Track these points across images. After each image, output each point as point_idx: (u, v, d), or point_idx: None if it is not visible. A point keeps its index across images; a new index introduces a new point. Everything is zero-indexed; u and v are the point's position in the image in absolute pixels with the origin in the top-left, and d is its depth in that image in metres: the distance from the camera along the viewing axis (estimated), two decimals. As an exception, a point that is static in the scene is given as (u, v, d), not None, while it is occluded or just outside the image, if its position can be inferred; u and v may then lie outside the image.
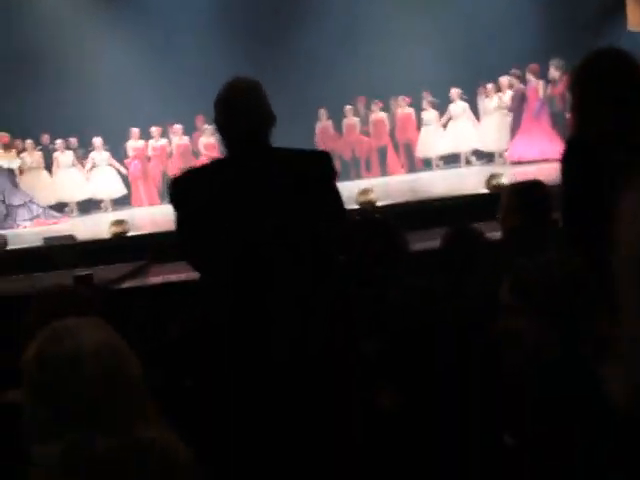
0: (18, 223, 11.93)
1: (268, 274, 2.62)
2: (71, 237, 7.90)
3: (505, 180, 7.85)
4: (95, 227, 10.00)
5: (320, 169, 2.78)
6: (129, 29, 13.74)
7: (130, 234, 7.90)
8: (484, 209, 7.20)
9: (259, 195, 2.68)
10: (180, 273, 4.68)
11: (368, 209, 7.88)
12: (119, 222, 7.94)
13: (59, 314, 2.24)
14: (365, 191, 8.01)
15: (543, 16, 12.72)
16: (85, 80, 13.48)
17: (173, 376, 3.19)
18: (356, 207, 7.94)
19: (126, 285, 4.87)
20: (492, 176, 7.97)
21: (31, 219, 12.04)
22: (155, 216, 11.56)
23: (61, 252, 7.45)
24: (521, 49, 12.40)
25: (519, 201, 3.40)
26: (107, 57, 13.63)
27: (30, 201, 12.25)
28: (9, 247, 7.95)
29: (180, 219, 2.77)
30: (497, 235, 4.96)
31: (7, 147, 12.47)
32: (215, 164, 2.85)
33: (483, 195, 7.64)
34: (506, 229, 3.54)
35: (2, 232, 9.22)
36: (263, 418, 2.50)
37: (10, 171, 12.36)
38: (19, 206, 12.10)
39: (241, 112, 2.71)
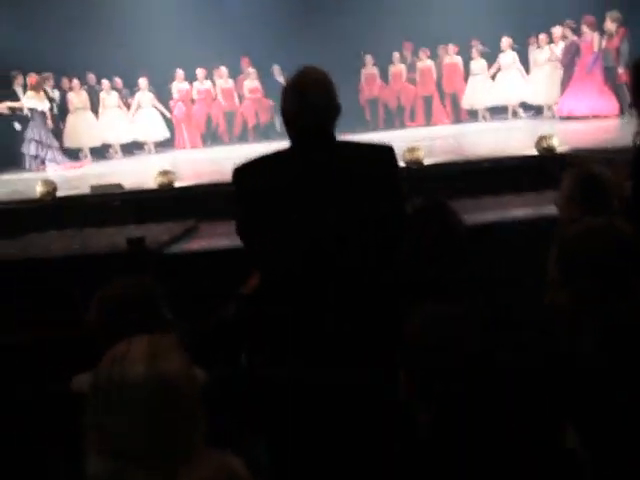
0: (47, 165, 12.05)
1: (332, 269, 2.65)
2: (119, 186, 7.95)
3: (556, 142, 7.68)
4: (139, 173, 10.04)
5: (384, 165, 2.77)
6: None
7: (177, 185, 7.93)
8: (534, 174, 7.20)
9: (324, 190, 2.68)
10: (231, 236, 4.71)
11: (414, 168, 7.82)
12: (165, 172, 7.95)
13: (120, 317, 2.29)
14: (412, 149, 7.89)
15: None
16: (131, 21, 13.39)
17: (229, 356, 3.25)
18: (403, 165, 7.87)
19: (178, 249, 4.91)
20: (542, 137, 7.77)
21: (58, 163, 12.13)
22: (197, 162, 11.63)
23: (111, 203, 7.53)
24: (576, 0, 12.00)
25: (582, 194, 3.32)
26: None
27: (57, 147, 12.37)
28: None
29: (243, 211, 2.79)
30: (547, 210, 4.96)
31: (35, 88, 12.27)
32: (280, 155, 2.83)
33: (533, 158, 7.49)
34: (564, 218, 3.48)
35: (49, 177, 9.28)
36: (319, 421, 2.56)
37: (42, 113, 12.29)
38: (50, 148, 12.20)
39: (310, 104, 2.68)
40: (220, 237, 5.07)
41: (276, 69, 13.68)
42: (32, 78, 12.30)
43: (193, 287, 4.41)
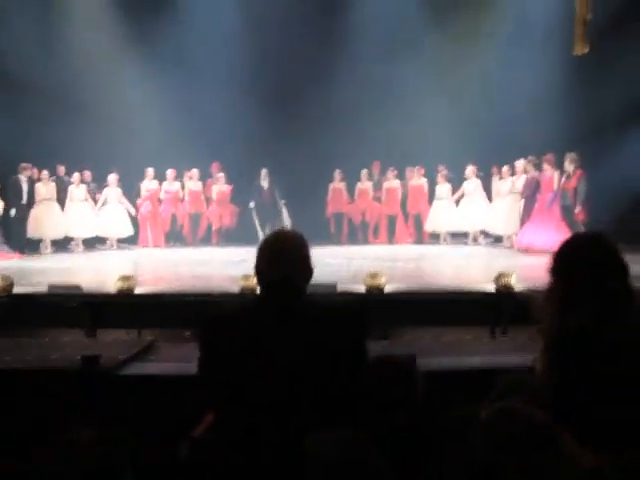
0: None
1: (290, 418, 2.66)
2: (78, 287, 7.87)
3: (514, 280, 7.86)
4: (99, 272, 9.99)
5: (352, 334, 2.82)
6: (156, 71, 13.84)
7: (136, 291, 7.88)
8: (492, 310, 7.33)
9: (288, 344, 2.72)
10: (188, 359, 4.65)
11: (375, 293, 7.89)
12: (126, 278, 7.91)
13: None
14: (374, 275, 7.99)
15: (564, 109, 12.81)
16: (106, 116, 13.55)
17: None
18: (363, 290, 7.95)
19: (134, 370, 4.84)
20: (501, 275, 7.97)
21: None
22: (159, 263, 11.63)
23: (68, 303, 7.45)
24: (540, 137, 12.50)
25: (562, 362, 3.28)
26: (130, 96, 13.71)
27: None
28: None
29: (206, 359, 2.81)
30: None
31: None
32: (248, 309, 2.89)
33: (491, 295, 7.64)
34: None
35: (5, 270, 9.15)
36: None
37: None
38: None
39: (283, 260, 2.79)
40: (178, 359, 5.01)
41: (263, 172, 14.05)
42: None
43: (146, 412, 4.33)
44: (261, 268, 2.87)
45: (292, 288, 2.83)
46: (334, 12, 14.30)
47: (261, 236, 12.49)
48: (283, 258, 2.82)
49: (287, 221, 13.58)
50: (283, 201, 13.88)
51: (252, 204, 13.92)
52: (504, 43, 13.51)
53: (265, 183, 14.02)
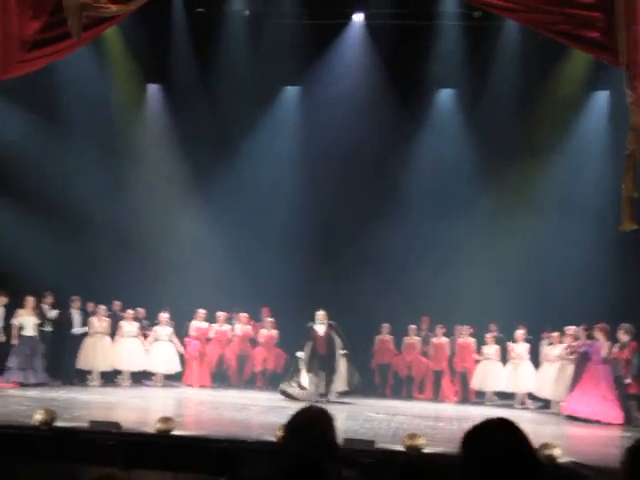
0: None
1: None
2: (117, 425, 7.90)
3: (558, 452, 7.61)
4: (141, 409, 10.01)
5: None
6: (213, 219, 14.52)
7: (175, 433, 7.86)
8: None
9: None
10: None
11: (414, 454, 7.71)
12: (166, 419, 7.91)
13: None
14: (413, 436, 7.83)
15: (615, 281, 12.79)
16: (163, 256, 14.10)
17: None
18: (402, 449, 7.78)
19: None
20: (545, 445, 7.72)
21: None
22: (202, 405, 11.62)
23: (105, 441, 7.47)
24: (591, 307, 12.37)
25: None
26: (187, 239, 14.34)
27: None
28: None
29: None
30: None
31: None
32: None
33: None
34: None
35: (50, 404, 9.26)
36: None
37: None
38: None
39: (303, 437, 2.77)
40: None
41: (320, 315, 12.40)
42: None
43: None
44: (284, 442, 2.87)
45: (316, 470, 2.81)
46: (389, 165, 14.79)
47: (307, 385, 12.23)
48: (307, 437, 2.81)
49: (343, 374, 12.19)
50: (344, 351, 12.29)
51: (300, 353, 12.31)
52: (556, 213, 13.76)
53: (321, 328, 12.29)
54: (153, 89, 15.73)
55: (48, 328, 13.02)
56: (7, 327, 12.59)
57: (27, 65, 10.18)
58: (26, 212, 13.34)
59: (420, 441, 7.81)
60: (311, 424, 2.81)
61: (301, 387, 12.14)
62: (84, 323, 13.40)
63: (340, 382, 12.21)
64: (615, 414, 11.22)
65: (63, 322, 13.26)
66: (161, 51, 14.81)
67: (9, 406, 9.90)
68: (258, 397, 12.63)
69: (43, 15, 9.82)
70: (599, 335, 11.83)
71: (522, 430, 2.46)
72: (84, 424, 8.01)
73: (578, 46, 10.34)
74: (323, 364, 12.15)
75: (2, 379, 12.27)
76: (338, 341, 12.28)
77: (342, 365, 12.23)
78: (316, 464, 2.75)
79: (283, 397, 12.07)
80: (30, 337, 12.49)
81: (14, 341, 12.41)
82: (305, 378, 12.18)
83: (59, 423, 7.98)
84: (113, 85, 14.92)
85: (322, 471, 2.77)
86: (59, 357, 13.03)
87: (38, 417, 7.87)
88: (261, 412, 10.62)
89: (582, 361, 12.01)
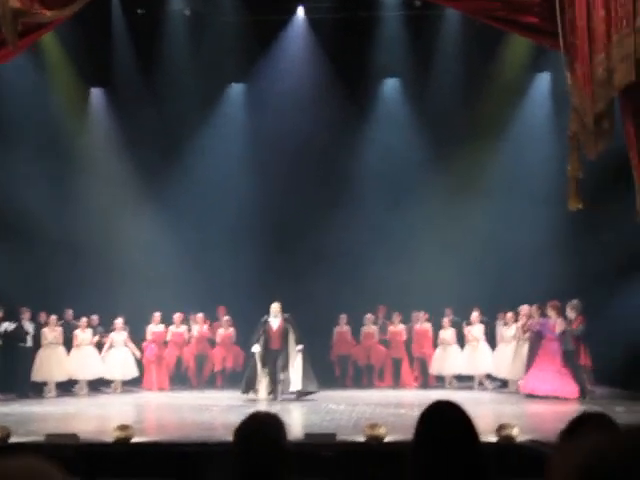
0: None
1: None
2: (75, 437, 7.75)
3: (516, 432, 7.68)
4: (100, 418, 9.86)
5: None
6: (162, 220, 14.37)
7: (134, 440, 7.74)
8: (492, 462, 7.10)
9: None
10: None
11: (375, 444, 7.73)
12: (124, 427, 7.78)
13: None
14: (374, 426, 7.85)
15: (567, 259, 12.99)
16: (114, 262, 13.97)
17: None
18: (363, 439, 7.79)
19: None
20: (502, 426, 7.80)
21: None
22: (162, 408, 11.53)
23: (63, 453, 7.31)
24: (543, 285, 12.60)
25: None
26: (138, 244, 14.20)
27: None
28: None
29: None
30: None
31: None
32: None
33: (491, 445, 7.44)
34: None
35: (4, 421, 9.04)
36: None
37: None
38: None
39: (252, 444, 2.69)
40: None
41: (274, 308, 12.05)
42: None
43: None
44: (233, 451, 2.81)
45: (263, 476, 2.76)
46: (338, 158, 14.79)
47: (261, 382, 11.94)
48: (255, 442, 2.75)
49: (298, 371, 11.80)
50: (299, 347, 11.95)
51: (255, 348, 11.96)
52: (505, 196, 13.90)
53: (275, 322, 11.98)
54: (96, 93, 15.45)
55: (-1, 342, 12.73)
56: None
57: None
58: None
59: (380, 431, 7.83)
60: (261, 429, 2.72)
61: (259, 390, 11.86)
62: (36, 334, 13.11)
63: (295, 380, 11.80)
64: (571, 388, 11.48)
65: (15, 334, 12.95)
66: (102, 55, 14.56)
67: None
68: (219, 397, 12.52)
69: (-23, 24, 9.60)
70: (551, 313, 12.09)
71: (464, 411, 2.46)
72: (40, 438, 7.86)
73: (518, 31, 10.47)
74: (275, 360, 11.77)
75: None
76: (293, 336, 11.99)
77: (298, 362, 11.87)
78: (268, 472, 2.65)
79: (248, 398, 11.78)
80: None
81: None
82: (261, 377, 11.88)
83: (14, 439, 7.81)
84: (54, 91, 14.61)
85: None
86: (12, 370, 12.68)
87: (-8, 434, 7.69)
88: (223, 412, 10.55)
89: (536, 339, 12.23)
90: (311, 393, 11.80)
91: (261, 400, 11.56)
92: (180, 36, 14.65)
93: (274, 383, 11.73)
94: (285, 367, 11.79)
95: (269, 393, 11.76)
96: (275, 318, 11.98)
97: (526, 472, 6.48)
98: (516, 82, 14.57)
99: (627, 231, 9.88)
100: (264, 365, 11.84)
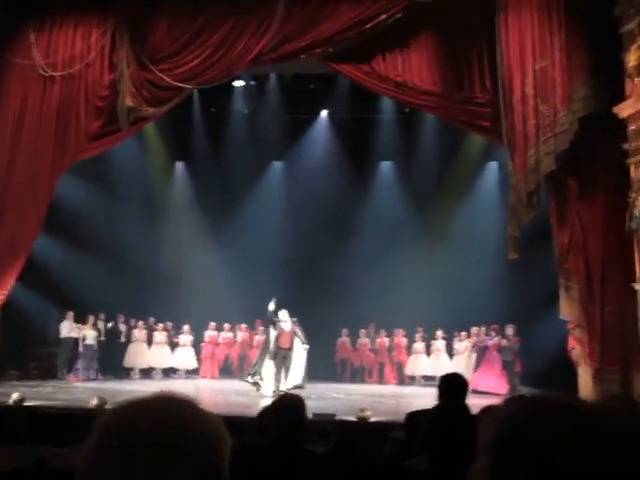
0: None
1: None
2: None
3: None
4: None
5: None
6: (221, 256, 14.58)
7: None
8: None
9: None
10: None
11: (361, 422, 7.84)
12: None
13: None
14: (363, 409, 8.00)
15: (509, 292, 13.00)
16: (185, 284, 14.20)
17: None
18: (354, 419, 7.90)
19: None
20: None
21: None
22: (214, 390, 11.64)
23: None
24: (490, 311, 12.55)
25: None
26: (203, 272, 14.40)
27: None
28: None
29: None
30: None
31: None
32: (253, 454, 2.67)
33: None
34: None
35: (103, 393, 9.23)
36: None
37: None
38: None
39: (279, 420, 2.71)
40: None
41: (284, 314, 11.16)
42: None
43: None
44: (265, 425, 2.82)
45: (290, 442, 2.67)
46: (346, 214, 14.90)
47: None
48: (282, 418, 2.71)
49: (302, 368, 10.79)
50: (306, 346, 10.99)
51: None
52: (465, 246, 14.02)
53: (287, 325, 10.86)
54: (179, 165, 15.88)
55: (102, 338, 13.01)
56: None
57: (91, 151, 10.42)
58: (86, 254, 13.36)
59: (367, 413, 7.97)
60: (291, 406, 2.76)
61: (261, 379, 10.77)
62: (127, 333, 13.41)
63: (297, 375, 10.73)
64: (503, 387, 11.48)
65: (112, 333, 13.26)
66: (185, 138, 14.98)
67: (75, 394, 9.94)
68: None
69: (102, 117, 10.11)
70: (493, 332, 12.18)
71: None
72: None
73: (474, 131, 10.80)
74: (284, 357, 10.63)
75: (73, 376, 12.27)
76: (300, 337, 10.98)
77: (302, 358, 10.85)
78: (293, 440, 2.68)
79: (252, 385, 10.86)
80: (90, 345, 12.53)
81: (80, 349, 12.51)
82: (268, 367, 10.76)
83: (109, 406, 8.01)
84: (151, 163, 15.06)
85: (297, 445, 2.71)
86: (110, 359, 12.99)
87: (94, 402, 7.91)
88: (257, 396, 10.60)
89: (482, 351, 12.29)
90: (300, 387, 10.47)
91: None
92: (239, 126, 15.03)
93: (277, 381, 10.52)
94: (289, 366, 10.69)
95: (273, 391, 10.44)
96: (286, 322, 10.87)
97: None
98: (473, 167, 14.79)
99: (549, 272, 10.03)
100: (273, 358, 10.66)
